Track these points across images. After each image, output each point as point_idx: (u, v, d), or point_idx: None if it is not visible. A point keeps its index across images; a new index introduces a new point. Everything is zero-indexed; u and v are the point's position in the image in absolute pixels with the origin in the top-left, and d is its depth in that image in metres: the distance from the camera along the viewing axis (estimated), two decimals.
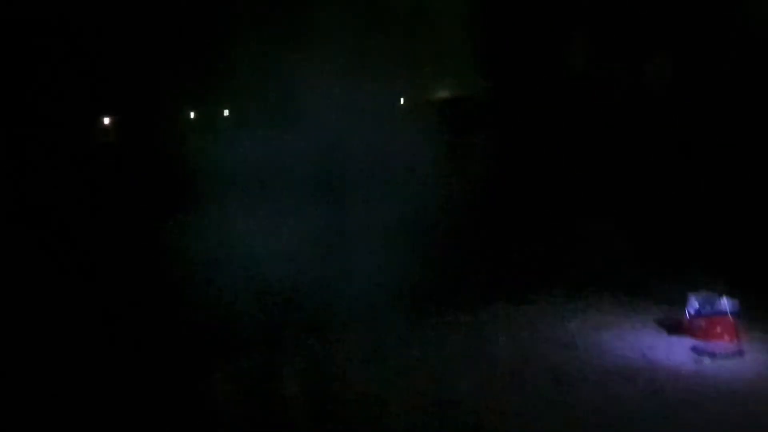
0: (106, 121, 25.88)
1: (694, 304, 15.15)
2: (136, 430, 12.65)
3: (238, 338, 15.81)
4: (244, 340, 15.71)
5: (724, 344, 14.41)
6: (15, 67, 22.72)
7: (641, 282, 17.64)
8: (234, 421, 12.93)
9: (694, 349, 14.62)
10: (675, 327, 15.49)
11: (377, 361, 14.65)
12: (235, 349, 15.44)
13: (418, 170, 23.21)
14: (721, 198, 21.14)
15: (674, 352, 14.70)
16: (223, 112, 27.09)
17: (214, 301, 16.90)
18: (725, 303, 14.82)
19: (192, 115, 26.99)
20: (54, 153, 23.36)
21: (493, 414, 12.61)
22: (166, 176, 23.16)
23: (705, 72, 25.75)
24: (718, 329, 14.56)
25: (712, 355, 14.29)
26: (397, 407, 12.82)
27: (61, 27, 23.75)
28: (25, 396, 13.36)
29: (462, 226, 21.92)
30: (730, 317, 14.68)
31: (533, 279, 18.69)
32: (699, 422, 11.87)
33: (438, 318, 16.83)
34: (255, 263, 18.20)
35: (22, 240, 19.23)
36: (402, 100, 30.67)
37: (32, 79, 23.05)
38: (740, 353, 14.28)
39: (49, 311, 16.33)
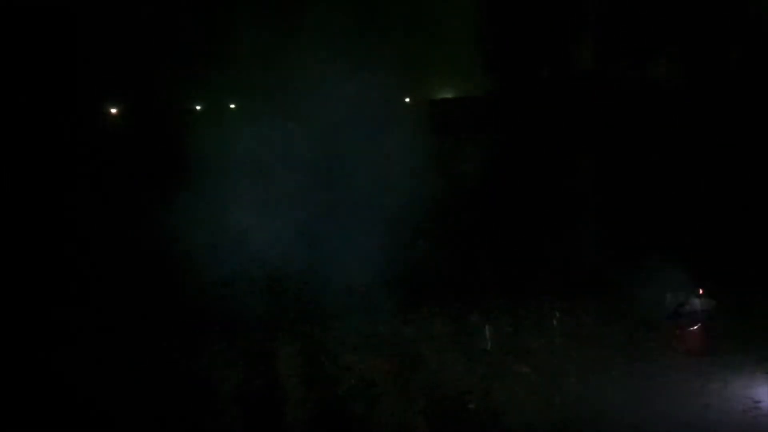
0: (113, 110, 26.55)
1: (671, 303, 15.85)
2: (134, 411, 13.35)
3: (235, 323, 16.68)
4: (240, 325, 16.59)
5: (695, 343, 15.05)
6: (22, 53, 23.19)
7: (627, 283, 18.33)
8: (230, 402, 13.67)
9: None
10: (653, 325, 16.20)
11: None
12: (231, 333, 16.33)
13: (418, 167, 23.69)
14: (724, 198, 21.23)
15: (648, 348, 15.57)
16: (228, 106, 27.77)
17: (210, 286, 17.65)
18: (701, 303, 15.49)
19: (198, 107, 27.71)
20: (62, 137, 23.89)
21: (479, 398, 13.53)
22: (170, 163, 23.72)
23: (713, 70, 25.54)
24: (692, 328, 15.21)
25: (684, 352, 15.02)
26: (384, 388, 13.81)
27: (69, 17, 24.25)
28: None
29: (457, 224, 22.58)
30: (705, 317, 15.33)
31: (524, 278, 19.43)
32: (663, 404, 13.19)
33: (429, 310, 17.79)
34: (253, 250, 18.92)
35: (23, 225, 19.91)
36: (408, 99, 31.01)
37: (39, 67, 23.55)
38: (711, 352, 14.96)
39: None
